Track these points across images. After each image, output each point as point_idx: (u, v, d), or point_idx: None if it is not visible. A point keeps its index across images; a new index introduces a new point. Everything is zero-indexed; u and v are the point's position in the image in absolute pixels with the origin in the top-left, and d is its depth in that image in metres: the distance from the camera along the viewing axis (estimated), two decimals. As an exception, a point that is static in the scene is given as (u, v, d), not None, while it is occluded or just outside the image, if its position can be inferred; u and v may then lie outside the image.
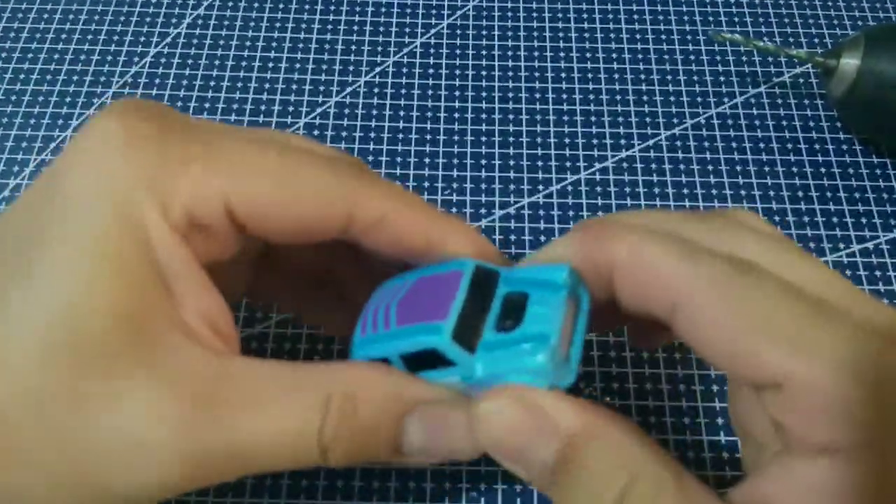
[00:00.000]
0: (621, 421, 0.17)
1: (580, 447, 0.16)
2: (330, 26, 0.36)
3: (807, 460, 0.16)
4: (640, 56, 0.36)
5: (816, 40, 0.37)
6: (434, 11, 0.37)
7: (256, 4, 0.37)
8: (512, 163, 0.32)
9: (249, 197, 0.18)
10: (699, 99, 0.34)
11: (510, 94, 0.34)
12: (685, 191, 0.32)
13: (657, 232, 0.18)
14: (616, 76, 0.35)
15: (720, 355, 0.16)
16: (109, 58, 0.35)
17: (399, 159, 0.32)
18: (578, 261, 0.18)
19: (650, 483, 0.16)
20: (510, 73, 0.35)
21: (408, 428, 0.18)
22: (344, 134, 0.33)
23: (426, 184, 0.32)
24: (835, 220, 0.31)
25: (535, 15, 0.37)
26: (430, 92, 0.34)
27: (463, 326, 0.18)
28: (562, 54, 0.36)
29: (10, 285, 0.16)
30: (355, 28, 0.36)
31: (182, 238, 0.17)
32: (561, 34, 0.36)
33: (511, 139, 0.33)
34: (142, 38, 0.35)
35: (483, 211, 0.31)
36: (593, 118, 0.34)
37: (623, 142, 0.33)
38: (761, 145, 0.33)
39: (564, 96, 0.34)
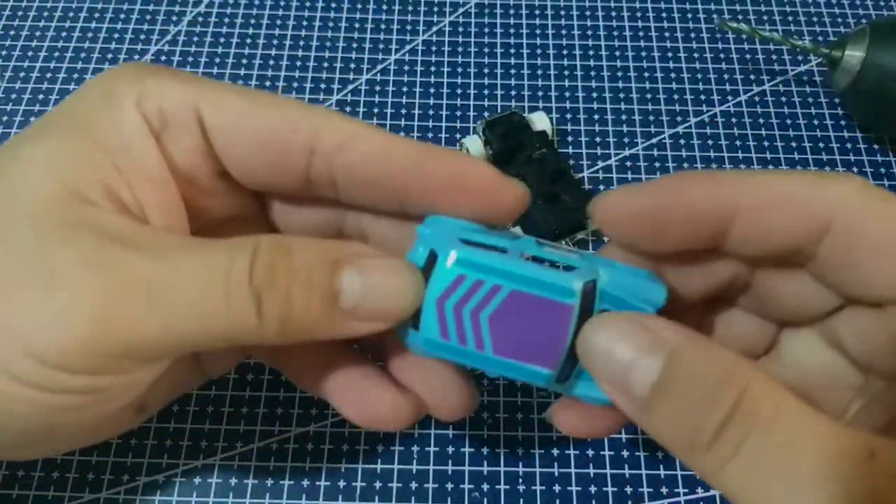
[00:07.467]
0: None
1: (685, 360, 0.15)
2: (331, 24, 0.36)
3: None
4: (643, 53, 0.36)
5: (821, 38, 0.36)
6: (436, 9, 0.37)
7: (257, 2, 0.37)
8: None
9: (218, 105, 0.18)
10: (702, 97, 0.34)
11: (512, 92, 0.34)
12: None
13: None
14: (619, 74, 0.35)
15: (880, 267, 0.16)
16: (110, 55, 0.35)
17: (401, 157, 0.32)
18: (682, 209, 0.17)
19: (761, 393, 0.14)
20: (512, 71, 0.35)
21: (344, 276, 0.17)
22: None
23: (428, 182, 0.32)
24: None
25: (537, 12, 0.37)
26: (431, 90, 0.34)
27: (565, 367, 0.17)
28: (565, 52, 0.35)
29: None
30: (356, 26, 0.36)
31: (150, 132, 0.18)
32: (563, 31, 0.36)
33: (514, 137, 0.33)
34: (142, 36, 0.35)
35: (485, 209, 0.31)
36: (596, 116, 0.34)
37: (626, 140, 0.33)
38: (765, 140, 0.33)
39: (567, 94, 0.34)
